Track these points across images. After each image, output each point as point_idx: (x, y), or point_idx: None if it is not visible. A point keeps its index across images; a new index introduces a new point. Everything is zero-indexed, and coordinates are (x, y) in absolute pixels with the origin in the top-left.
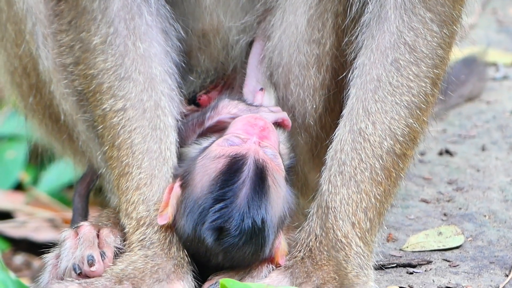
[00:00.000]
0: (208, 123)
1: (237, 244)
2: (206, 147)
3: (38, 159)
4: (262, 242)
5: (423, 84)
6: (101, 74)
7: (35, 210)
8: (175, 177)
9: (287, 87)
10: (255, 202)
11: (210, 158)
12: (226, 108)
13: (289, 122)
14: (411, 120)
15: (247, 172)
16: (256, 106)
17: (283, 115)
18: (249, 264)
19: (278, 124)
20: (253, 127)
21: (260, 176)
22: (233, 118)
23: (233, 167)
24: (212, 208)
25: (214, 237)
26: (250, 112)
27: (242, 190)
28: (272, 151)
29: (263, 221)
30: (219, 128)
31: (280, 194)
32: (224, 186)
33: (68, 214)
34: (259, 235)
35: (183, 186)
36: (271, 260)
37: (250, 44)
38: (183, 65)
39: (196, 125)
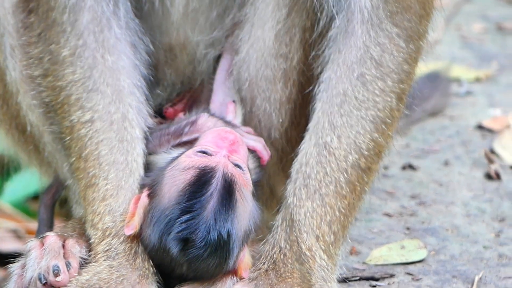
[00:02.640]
0: (186, 138)
1: (202, 255)
2: (176, 158)
3: (3, 170)
4: (227, 254)
5: (389, 99)
6: (69, 86)
7: None
8: (142, 187)
9: (254, 101)
10: (222, 215)
11: (179, 169)
12: (206, 124)
13: (264, 154)
14: (376, 135)
15: (215, 185)
16: (234, 125)
17: (259, 146)
18: (213, 276)
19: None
20: (223, 140)
21: (228, 189)
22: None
23: (202, 179)
24: (179, 219)
25: (180, 248)
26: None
27: (210, 202)
28: (241, 165)
29: (228, 234)
30: (194, 141)
31: (246, 209)
32: (192, 198)
33: (32, 225)
34: (224, 248)
35: (151, 196)
36: (235, 272)
37: (218, 58)
38: (151, 78)
39: (172, 137)
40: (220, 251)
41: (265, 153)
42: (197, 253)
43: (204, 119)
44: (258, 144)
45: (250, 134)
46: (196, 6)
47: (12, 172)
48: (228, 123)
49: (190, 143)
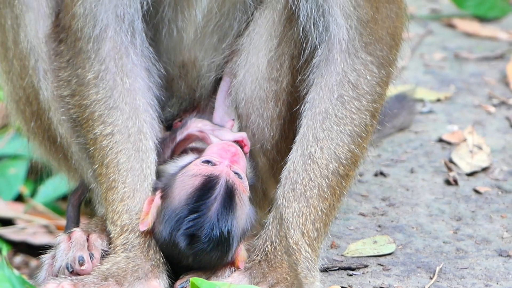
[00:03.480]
0: (179, 137)
1: (206, 249)
2: (185, 166)
3: (37, 175)
4: (227, 249)
5: (364, 116)
6: (93, 104)
7: (33, 218)
8: (154, 190)
9: (249, 117)
10: (224, 215)
11: (188, 175)
12: (194, 123)
13: (247, 142)
14: (353, 146)
15: (219, 190)
16: (219, 125)
17: (241, 135)
18: (214, 266)
19: (238, 144)
20: (226, 152)
21: (230, 194)
22: (201, 131)
23: (207, 185)
24: (187, 218)
25: (187, 242)
26: (214, 129)
27: (214, 205)
28: (241, 174)
29: (229, 232)
30: (190, 142)
31: (244, 211)
32: (199, 200)
33: (61, 221)
34: (224, 243)
35: (163, 198)
36: (233, 263)
37: (219, 81)
38: (162, 98)
39: (169, 141)
40: (221, 246)
41: (248, 143)
42: (201, 247)
43: (192, 120)
44: (242, 134)
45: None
46: (202, 32)
47: (45, 176)
48: (215, 124)
49: (186, 143)
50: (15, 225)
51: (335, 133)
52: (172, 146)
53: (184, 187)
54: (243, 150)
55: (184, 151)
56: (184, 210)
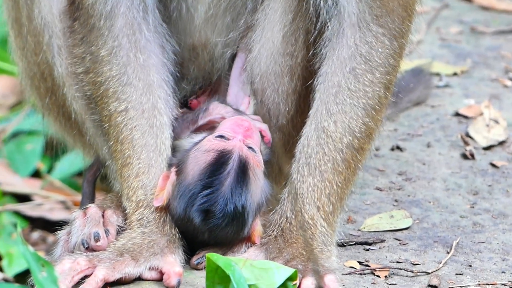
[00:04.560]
0: (201, 122)
1: (221, 224)
2: (198, 142)
3: (53, 151)
4: (242, 224)
5: (377, 89)
6: (107, 81)
7: (49, 194)
8: (169, 166)
9: (265, 92)
10: (237, 190)
11: (201, 151)
12: (216, 109)
13: (267, 134)
14: (367, 119)
15: (232, 165)
16: (240, 111)
17: (263, 126)
18: (230, 242)
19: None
20: (239, 127)
21: (243, 169)
22: (222, 118)
23: (220, 160)
24: (201, 193)
25: (201, 218)
26: (235, 115)
27: (227, 179)
28: (255, 148)
29: (243, 207)
30: (210, 127)
31: (258, 185)
32: (212, 175)
33: (78, 197)
34: (239, 218)
35: (177, 173)
36: (249, 239)
37: (233, 57)
38: (178, 74)
39: (190, 123)
40: (236, 220)
41: (269, 134)
42: (216, 223)
43: (214, 105)
44: (263, 125)
45: (258, 120)
46: (214, 12)
47: (60, 153)
48: (236, 110)
49: (207, 127)
50: (32, 201)
51: (348, 106)
52: (192, 129)
53: (197, 162)
54: (263, 141)
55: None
56: (197, 186)
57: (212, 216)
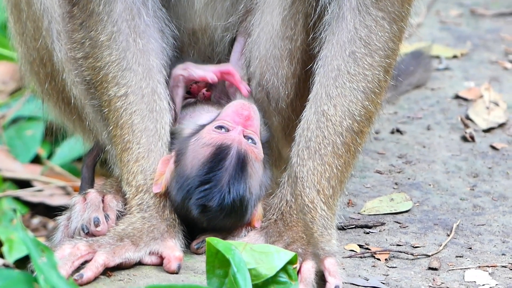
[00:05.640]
0: (170, 87)
1: (219, 217)
2: (199, 129)
3: (53, 136)
4: (241, 215)
5: (377, 72)
6: (107, 66)
7: (50, 180)
8: (170, 151)
9: (264, 76)
10: (235, 186)
11: (200, 144)
12: (177, 67)
13: (234, 71)
14: (367, 103)
15: (230, 161)
16: (199, 65)
17: (226, 65)
18: (231, 229)
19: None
20: (239, 116)
21: (241, 164)
22: (184, 69)
23: (219, 155)
24: (198, 188)
25: (199, 211)
26: (197, 66)
27: (225, 175)
28: (254, 139)
29: (241, 201)
30: (181, 85)
31: (257, 179)
32: (210, 171)
33: (78, 183)
34: (237, 211)
35: (176, 163)
36: (249, 223)
37: (233, 40)
38: (177, 59)
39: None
40: (234, 213)
41: (235, 72)
42: (214, 215)
43: (174, 69)
44: (227, 65)
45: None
46: None
47: (60, 138)
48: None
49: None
50: (32, 187)
51: (348, 90)
52: (173, 102)
53: (195, 156)
54: (234, 80)
55: (196, 110)
56: (195, 181)
57: (209, 210)
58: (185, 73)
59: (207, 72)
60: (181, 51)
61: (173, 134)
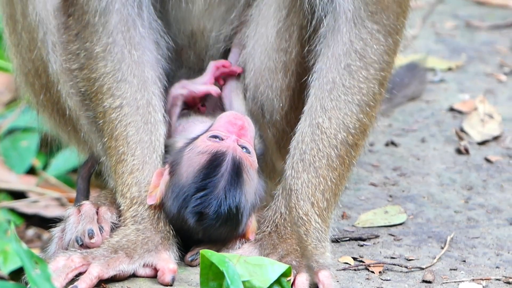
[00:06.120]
0: (168, 106)
1: (215, 225)
2: (193, 140)
3: (48, 148)
4: (236, 224)
5: (372, 85)
6: (102, 77)
7: (45, 191)
8: (164, 164)
9: (258, 88)
10: (231, 192)
11: (195, 152)
12: (173, 87)
13: (229, 64)
14: (362, 115)
15: (226, 167)
16: (194, 82)
17: (223, 62)
18: (225, 240)
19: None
20: (233, 126)
21: (237, 171)
22: (182, 87)
23: (214, 162)
24: (194, 196)
25: (195, 219)
26: (194, 81)
27: (221, 182)
28: (249, 148)
29: (237, 208)
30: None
31: (252, 186)
32: (206, 178)
33: (73, 194)
34: (233, 219)
35: (171, 174)
36: (243, 235)
37: (228, 52)
38: (171, 71)
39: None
40: (230, 221)
41: (229, 64)
42: (210, 223)
43: (173, 87)
44: (224, 62)
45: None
46: (211, 2)
47: (55, 149)
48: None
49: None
50: (27, 198)
51: (343, 102)
52: (169, 119)
53: (191, 164)
54: (233, 74)
55: (189, 122)
56: (191, 188)
57: (205, 217)
58: (184, 91)
59: (209, 86)
60: (181, 53)
61: (166, 147)
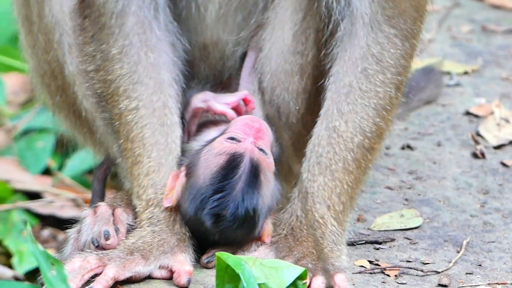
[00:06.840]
0: (187, 116)
1: (232, 227)
2: (209, 142)
3: (64, 148)
4: (253, 226)
5: (388, 89)
6: (118, 79)
7: (60, 192)
8: (179, 166)
9: (275, 91)
10: (249, 194)
11: (212, 154)
12: (195, 98)
13: (250, 97)
14: (378, 119)
15: (243, 168)
16: (220, 92)
17: (243, 92)
18: (241, 242)
19: (243, 103)
20: (250, 129)
21: (254, 172)
22: (204, 101)
23: (232, 164)
24: (212, 197)
25: (212, 221)
26: (215, 96)
27: (238, 183)
28: (266, 150)
29: (254, 210)
30: (200, 116)
31: (269, 188)
32: (223, 179)
33: (88, 195)
34: (250, 221)
35: (188, 176)
36: (259, 238)
37: (244, 56)
38: (188, 73)
39: (185, 125)
40: (247, 223)
41: (251, 98)
42: (227, 225)
43: (194, 96)
44: (244, 92)
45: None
46: (225, 11)
47: (71, 150)
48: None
49: (210, 123)
50: (43, 199)
51: (359, 106)
52: (187, 128)
53: (208, 166)
54: (248, 107)
55: (204, 126)
56: (208, 190)
57: (223, 219)
58: (204, 105)
59: (228, 110)
60: (192, 65)
61: (182, 152)
